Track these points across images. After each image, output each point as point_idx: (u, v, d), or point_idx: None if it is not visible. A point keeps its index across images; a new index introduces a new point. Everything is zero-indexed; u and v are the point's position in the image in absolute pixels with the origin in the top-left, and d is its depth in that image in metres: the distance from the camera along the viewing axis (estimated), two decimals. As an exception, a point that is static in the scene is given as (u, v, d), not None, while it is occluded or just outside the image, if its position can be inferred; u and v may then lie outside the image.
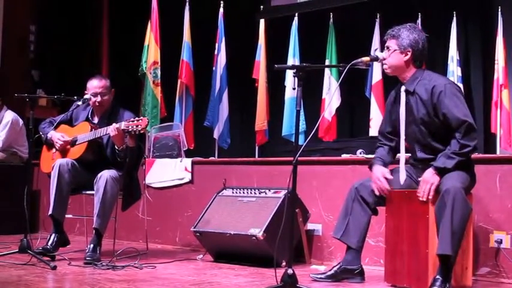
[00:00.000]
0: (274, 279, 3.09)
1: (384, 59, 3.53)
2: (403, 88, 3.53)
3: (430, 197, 3.30)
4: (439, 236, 3.18)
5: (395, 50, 3.50)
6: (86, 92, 4.46)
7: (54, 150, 4.51)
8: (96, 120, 4.53)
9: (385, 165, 3.58)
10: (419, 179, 3.38)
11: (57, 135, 4.44)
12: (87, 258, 4.02)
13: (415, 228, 3.37)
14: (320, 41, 7.03)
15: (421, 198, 3.31)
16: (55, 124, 4.53)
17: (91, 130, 4.34)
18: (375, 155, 3.68)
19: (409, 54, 3.48)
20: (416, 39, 3.49)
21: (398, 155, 3.60)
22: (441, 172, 3.29)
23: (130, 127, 4.08)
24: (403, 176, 3.48)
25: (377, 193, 3.49)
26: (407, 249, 3.40)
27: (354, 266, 3.59)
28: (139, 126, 4.06)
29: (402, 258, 3.42)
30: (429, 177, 3.31)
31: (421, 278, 3.31)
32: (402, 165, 3.50)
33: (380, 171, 3.51)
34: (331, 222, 4.37)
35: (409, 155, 3.60)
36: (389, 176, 3.49)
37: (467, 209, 3.21)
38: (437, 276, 3.18)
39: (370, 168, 3.62)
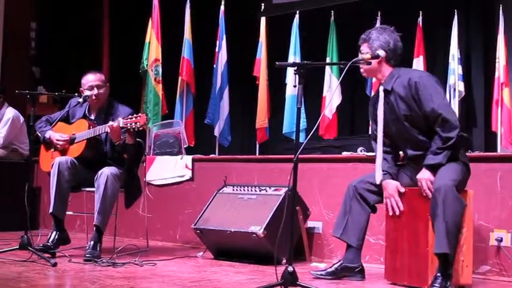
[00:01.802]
0: (274, 276, 3.08)
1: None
2: (381, 88, 3.52)
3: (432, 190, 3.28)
4: (435, 235, 3.19)
5: (367, 53, 3.50)
6: (81, 88, 4.43)
7: (53, 149, 4.48)
8: (93, 116, 4.49)
9: (394, 177, 3.52)
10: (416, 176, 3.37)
11: (56, 136, 4.39)
12: (87, 255, 4.01)
13: (415, 226, 3.37)
14: (321, 39, 7.03)
15: (429, 197, 3.30)
16: (52, 122, 4.50)
17: (89, 127, 4.31)
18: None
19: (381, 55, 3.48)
20: (387, 40, 3.49)
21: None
22: (433, 168, 3.29)
23: (128, 124, 4.04)
24: (378, 177, 3.48)
25: (390, 213, 3.46)
26: (408, 247, 3.40)
27: (354, 264, 3.60)
28: (138, 123, 4.02)
29: (402, 256, 3.42)
30: (423, 175, 3.32)
31: (421, 276, 3.32)
32: (379, 165, 3.49)
33: (394, 187, 3.46)
34: (331, 220, 4.37)
35: (391, 155, 3.57)
36: (402, 190, 3.46)
37: (459, 206, 3.21)
38: (438, 274, 3.18)
39: (380, 183, 3.54)
